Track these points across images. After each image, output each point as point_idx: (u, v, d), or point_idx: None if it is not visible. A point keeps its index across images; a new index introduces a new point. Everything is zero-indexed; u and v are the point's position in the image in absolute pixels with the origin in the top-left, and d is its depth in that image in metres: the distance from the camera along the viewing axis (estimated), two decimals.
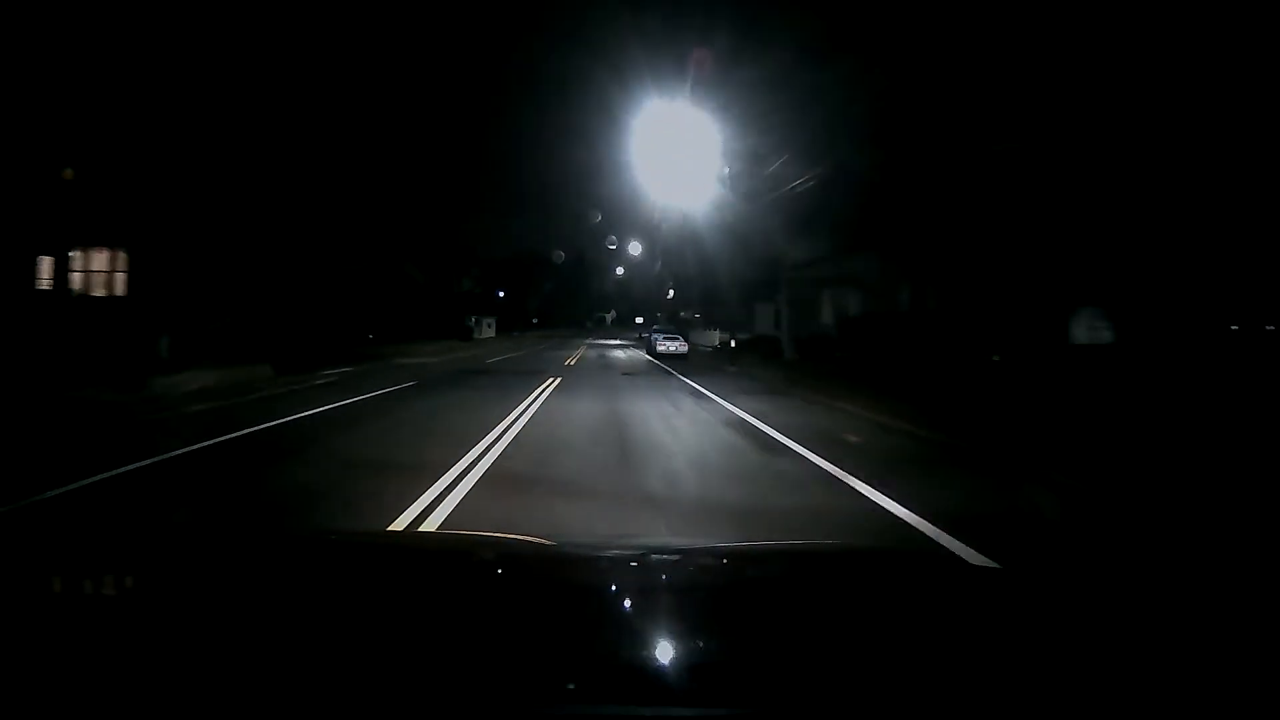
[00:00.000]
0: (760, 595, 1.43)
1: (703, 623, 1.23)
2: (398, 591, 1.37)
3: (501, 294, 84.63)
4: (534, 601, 1.30)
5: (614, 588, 1.51)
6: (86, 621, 1.08)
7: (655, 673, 0.98)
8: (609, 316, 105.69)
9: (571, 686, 0.87)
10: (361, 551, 1.74)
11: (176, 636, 1.01)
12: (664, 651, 1.07)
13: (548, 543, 1.79)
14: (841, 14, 17.78)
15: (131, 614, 1.15)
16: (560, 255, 79.77)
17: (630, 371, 19.94)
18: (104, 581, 1.37)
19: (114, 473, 5.86)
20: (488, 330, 63.58)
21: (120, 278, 21.41)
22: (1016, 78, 14.80)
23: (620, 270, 64.39)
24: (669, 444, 7.83)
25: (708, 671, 0.98)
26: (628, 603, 1.38)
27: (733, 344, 24.32)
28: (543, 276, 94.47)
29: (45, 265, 20.67)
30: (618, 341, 55.10)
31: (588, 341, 52.81)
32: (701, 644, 1.13)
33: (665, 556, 1.78)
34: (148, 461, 6.35)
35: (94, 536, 2.45)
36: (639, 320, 71.25)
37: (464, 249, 64.35)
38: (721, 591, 1.50)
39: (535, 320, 78.37)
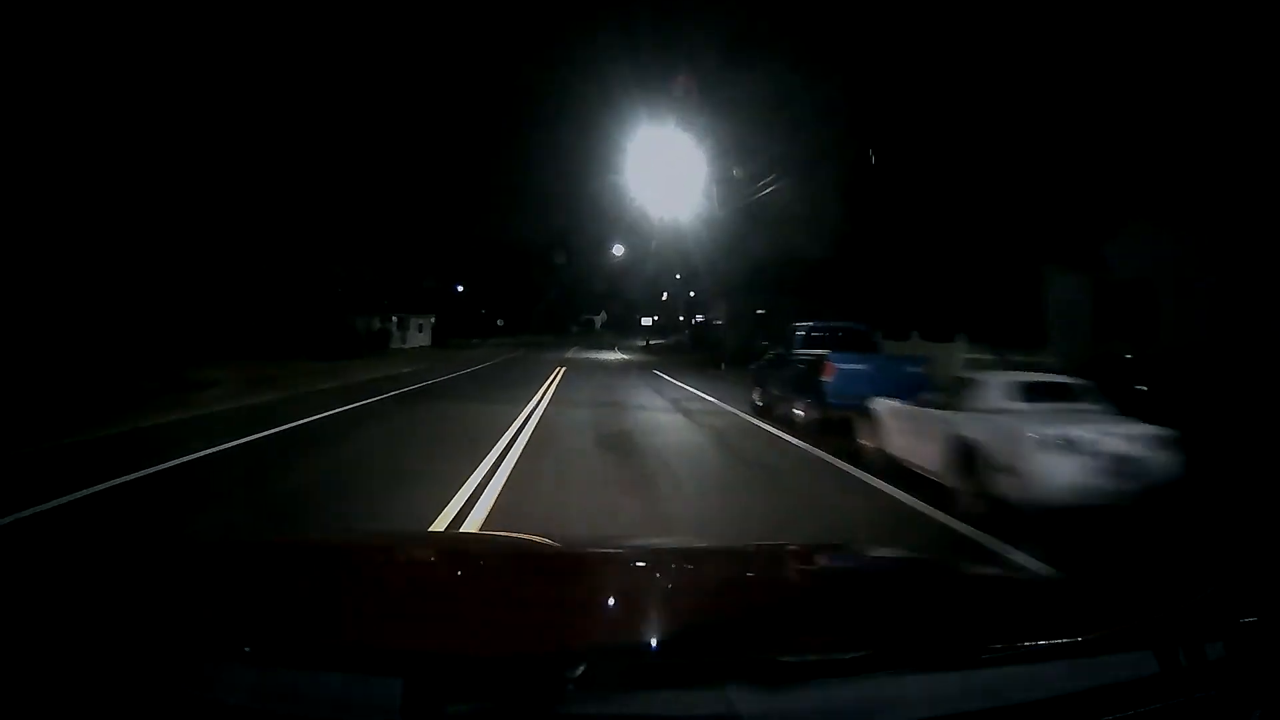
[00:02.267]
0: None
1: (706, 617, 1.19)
2: (403, 588, 1.39)
3: (460, 289, 65.79)
4: (537, 598, 1.30)
5: (615, 586, 1.47)
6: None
7: (652, 667, 0.92)
8: (599, 319, 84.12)
9: (575, 677, 0.83)
10: (365, 552, 1.70)
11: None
12: (663, 646, 1.01)
13: (551, 542, 1.79)
14: None
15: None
16: (563, 256, 58.28)
17: None
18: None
19: None
20: (417, 336, 42.03)
21: None
22: None
23: (619, 249, 43.93)
24: None
25: (710, 668, 0.92)
26: (630, 600, 1.36)
27: None
28: (523, 272, 73.92)
29: None
30: (618, 356, 33.45)
31: (569, 355, 31.54)
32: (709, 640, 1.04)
33: (663, 553, 1.82)
34: None
35: None
36: (646, 323, 50.27)
37: (424, 244, 47.28)
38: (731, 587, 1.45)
39: (500, 322, 57.21)
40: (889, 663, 0.89)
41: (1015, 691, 0.88)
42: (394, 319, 39.30)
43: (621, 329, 74.11)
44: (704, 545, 2.25)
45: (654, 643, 1.03)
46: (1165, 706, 0.91)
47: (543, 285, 76.78)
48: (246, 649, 0.89)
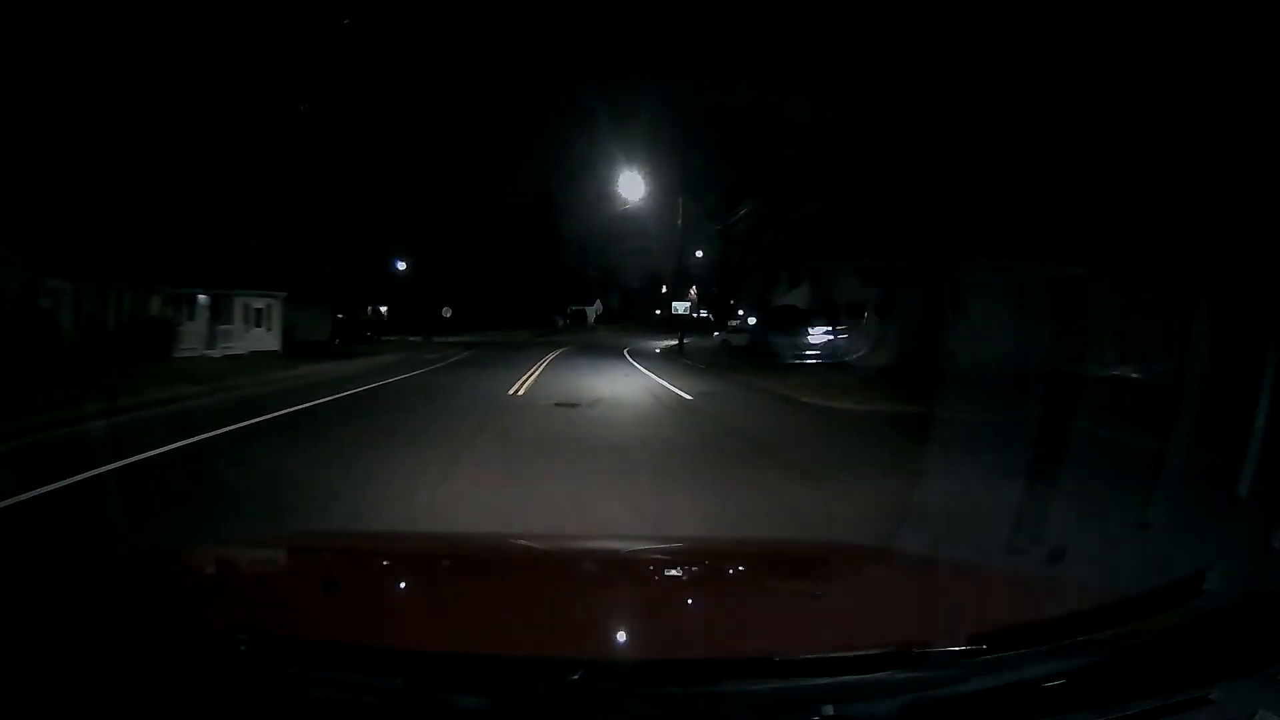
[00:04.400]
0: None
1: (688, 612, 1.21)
2: (394, 588, 1.36)
3: (401, 265, 49.96)
4: (534, 598, 1.27)
5: (609, 587, 1.45)
6: None
7: (640, 662, 0.93)
8: (592, 310, 65.32)
9: (577, 676, 0.82)
10: (354, 552, 1.70)
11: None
12: (648, 643, 1.03)
13: (540, 543, 1.85)
14: None
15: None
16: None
17: None
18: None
19: None
20: (255, 333, 22.79)
21: None
22: None
23: (633, 189, 26.41)
24: None
25: (694, 665, 0.91)
26: (624, 601, 1.33)
27: None
28: (493, 250, 55.95)
29: None
30: (650, 381, 12.30)
31: (520, 389, 12.28)
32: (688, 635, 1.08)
33: (645, 552, 1.82)
34: None
35: None
36: (680, 308, 32.13)
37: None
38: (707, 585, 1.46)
39: (447, 312, 39.21)
40: (881, 663, 0.88)
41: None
42: (200, 298, 20.58)
43: (622, 322, 55.88)
44: (694, 543, 2.27)
45: (651, 646, 1.03)
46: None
47: (521, 266, 58.29)
48: (242, 648, 0.87)
